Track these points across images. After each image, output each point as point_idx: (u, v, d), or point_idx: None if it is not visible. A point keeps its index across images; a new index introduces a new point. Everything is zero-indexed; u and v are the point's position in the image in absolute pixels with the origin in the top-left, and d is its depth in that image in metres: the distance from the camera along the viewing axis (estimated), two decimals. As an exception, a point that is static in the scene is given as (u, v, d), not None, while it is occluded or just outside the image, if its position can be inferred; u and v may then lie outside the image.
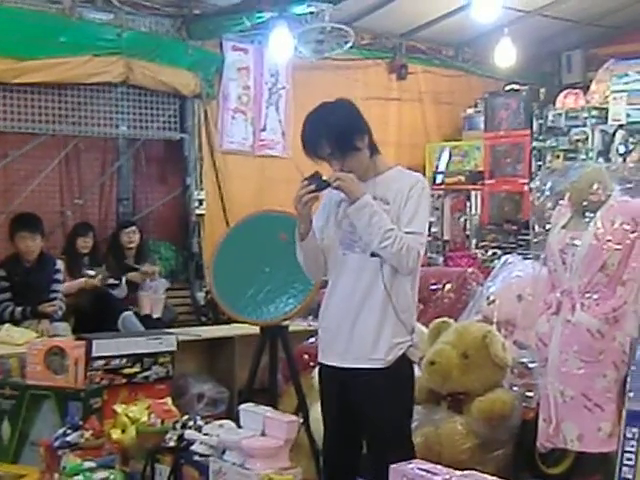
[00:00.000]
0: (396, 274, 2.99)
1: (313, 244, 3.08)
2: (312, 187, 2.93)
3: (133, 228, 6.55)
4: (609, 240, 3.41)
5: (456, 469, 2.10)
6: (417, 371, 3.28)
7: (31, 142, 6.42)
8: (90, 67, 6.47)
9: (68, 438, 2.78)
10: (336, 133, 2.97)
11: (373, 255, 2.99)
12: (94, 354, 3.42)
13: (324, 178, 2.95)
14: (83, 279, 6.05)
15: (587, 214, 3.51)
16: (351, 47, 7.37)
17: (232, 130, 7.56)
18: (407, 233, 2.95)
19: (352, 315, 3.02)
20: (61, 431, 2.83)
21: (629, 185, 3.55)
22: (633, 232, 3.42)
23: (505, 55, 8.04)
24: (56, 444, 2.77)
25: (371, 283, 3.00)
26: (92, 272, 6.08)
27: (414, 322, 3.11)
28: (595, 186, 3.49)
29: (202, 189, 7.36)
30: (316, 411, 3.82)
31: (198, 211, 7.33)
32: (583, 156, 7.86)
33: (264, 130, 7.77)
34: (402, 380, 3.08)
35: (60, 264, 5.83)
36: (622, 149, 7.71)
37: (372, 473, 3.01)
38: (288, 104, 7.82)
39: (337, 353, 3.07)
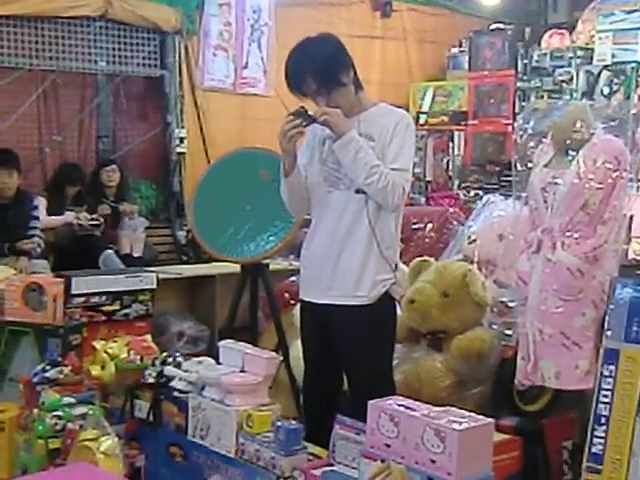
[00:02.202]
0: (380, 211, 2.98)
1: (298, 180, 3.04)
2: (297, 122, 2.89)
3: (113, 167, 6.49)
4: (591, 179, 3.37)
5: (435, 406, 2.10)
6: (398, 310, 3.28)
7: (7, 76, 6.31)
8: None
9: (47, 374, 2.77)
10: (321, 68, 2.92)
11: (358, 192, 2.97)
12: (73, 291, 3.39)
13: (310, 113, 2.91)
14: (64, 216, 6.02)
15: (570, 152, 3.47)
16: (335, -17, 7.25)
17: (213, 67, 7.45)
18: (392, 170, 2.93)
19: (336, 251, 3.01)
20: (40, 367, 2.82)
21: (612, 123, 3.51)
22: (615, 171, 3.39)
23: (491, -7, 7.93)
24: (35, 380, 2.76)
25: (355, 219, 2.98)
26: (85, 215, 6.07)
27: (397, 259, 3.11)
28: (578, 124, 3.44)
29: (183, 127, 7.28)
30: (296, 349, 3.83)
31: (179, 149, 7.26)
32: (567, 97, 7.80)
33: (246, 68, 7.66)
34: (384, 317, 3.09)
35: (39, 201, 5.77)
36: (606, 90, 7.64)
37: (352, 410, 3.02)
38: (270, 41, 7.70)
39: (320, 289, 3.06)
